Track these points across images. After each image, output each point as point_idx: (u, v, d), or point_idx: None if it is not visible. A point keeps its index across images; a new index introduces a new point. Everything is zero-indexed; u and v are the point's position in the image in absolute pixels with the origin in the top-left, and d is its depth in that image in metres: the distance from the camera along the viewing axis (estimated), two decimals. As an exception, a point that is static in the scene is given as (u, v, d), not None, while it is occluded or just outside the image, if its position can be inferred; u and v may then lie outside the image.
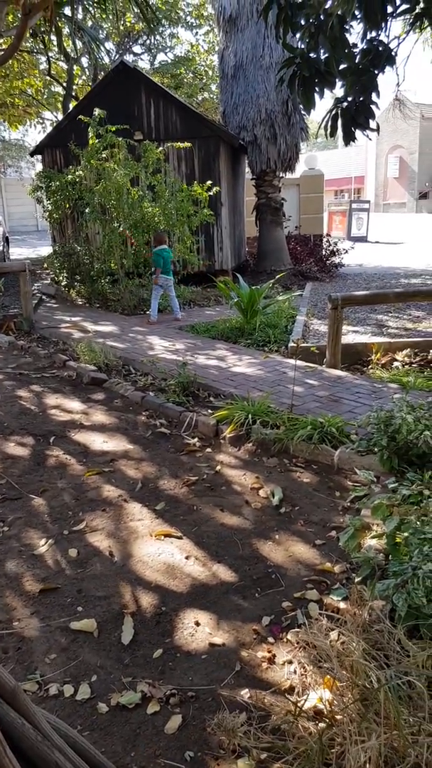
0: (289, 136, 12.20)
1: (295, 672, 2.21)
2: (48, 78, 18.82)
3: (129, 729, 2.04)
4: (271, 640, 2.41)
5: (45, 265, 12.41)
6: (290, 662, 2.26)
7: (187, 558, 3.00)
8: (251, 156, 12.48)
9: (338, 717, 1.80)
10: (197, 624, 2.53)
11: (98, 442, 4.49)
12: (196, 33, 21.18)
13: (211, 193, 9.40)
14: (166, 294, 8.79)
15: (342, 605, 2.54)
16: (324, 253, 14.02)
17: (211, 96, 20.85)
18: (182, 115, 11.11)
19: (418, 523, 2.58)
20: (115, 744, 1.98)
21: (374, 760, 1.55)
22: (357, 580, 2.60)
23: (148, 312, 9.14)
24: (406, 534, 2.54)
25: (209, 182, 9.47)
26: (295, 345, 4.84)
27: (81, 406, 5.23)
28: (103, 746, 1.96)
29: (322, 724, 1.82)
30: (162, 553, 3.05)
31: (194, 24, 20.37)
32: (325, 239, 15.10)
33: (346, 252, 13.95)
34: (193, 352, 6.62)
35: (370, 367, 6.07)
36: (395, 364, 6.04)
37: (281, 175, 13.11)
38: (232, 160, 12.27)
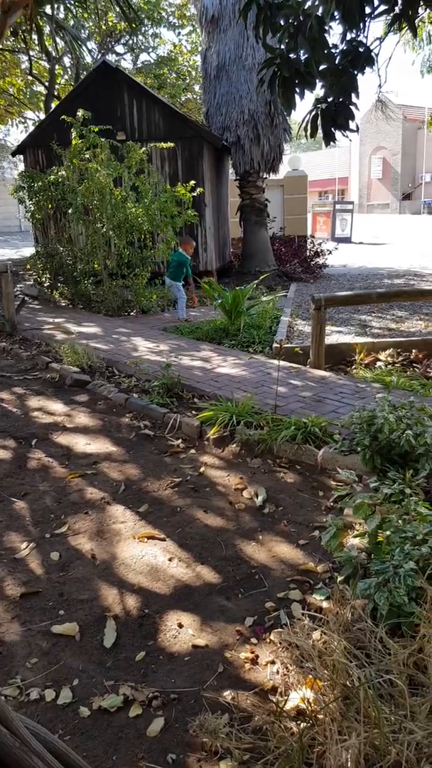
0: (273, 137, 12.24)
1: (277, 672, 2.21)
2: (30, 77, 18.70)
3: (111, 733, 2.02)
4: (254, 640, 2.40)
5: (28, 266, 12.31)
6: (273, 662, 2.26)
7: (170, 560, 2.99)
8: (235, 157, 12.50)
9: (320, 716, 1.81)
10: (180, 626, 2.52)
11: (81, 444, 4.46)
12: (179, 33, 21.12)
13: (194, 194, 9.39)
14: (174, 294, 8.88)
15: (325, 605, 2.55)
16: (308, 253, 14.08)
17: (195, 96, 20.85)
18: (165, 116, 11.10)
19: (399, 521, 2.60)
20: (96, 748, 1.97)
21: (354, 758, 1.55)
22: (339, 579, 2.60)
23: (132, 313, 9.16)
24: (387, 533, 2.55)
25: (192, 182, 9.47)
26: (278, 345, 4.85)
27: (64, 408, 5.20)
28: (84, 750, 1.95)
29: (304, 724, 1.83)
30: (145, 555, 3.04)
31: (177, 24, 20.35)
32: (309, 240, 15.17)
33: (330, 253, 14.03)
34: (177, 354, 6.60)
35: (353, 367, 6.10)
36: (378, 364, 6.08)
37: (265, 176, 13.15)
38: (215, 160, 12.27)
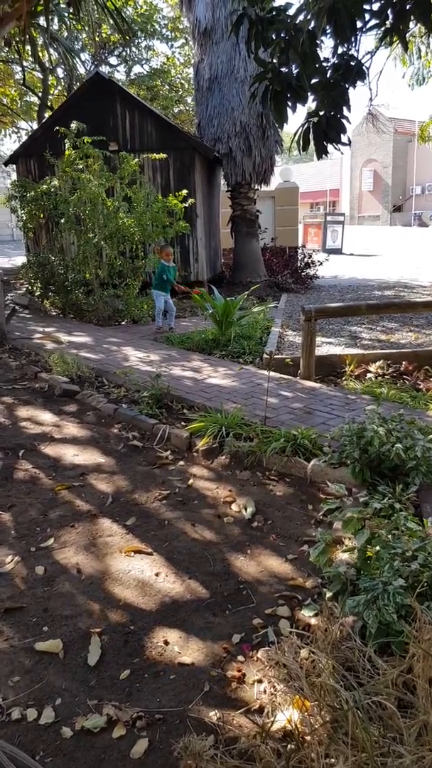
0: (264, 149, 12.31)
1: (265, 691, 2.17)
2: (23, 88, 18.75)
3: (93, 754, 1.97)
4: (241, 658, 2.36)
5: (19, 275, 12.27)
6: (260, 681, 2.22)
7: (157, 575, 2.95)
8: (226, 168, 12.55)
9: (307, 738, 1.77)
10: (166, 643, 2.47)
11: (69, 455, 4.41)
12: (172, 45, 21.27)
13: (186, 205, 9.41)
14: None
15: (313, 621, 2.51)
16: (299, 264, 14.12)
17: (187, 108, 20.98)
18: (158, 127, 11.14)
19: (388, 537, 2.57)
20: (78, 771, 1.91)
21: (342, 784, 1.51)
22: (328, 595, 2.57)
23: (123, 323, 9.13)
24: (377, 548, 2.53)
25: (184, 191, 9.48)
26: (268, 356, 4.83)
27: (53, 419, 5.15)
28: (66, 774, 1.90)
29: (290, 746, 1.79)
30: (132, 569, 2.99)
31: (170, 37, 20.51)
32: (300, 251, 15.23)
33: (321, 264, 14.07)
34: (167, 364, 6.57)
35: (343, 378, 6.09)
36: (368, 375, 6.07)
37: (256, 187, 13.20)
38: (207, 171, 12.32)
